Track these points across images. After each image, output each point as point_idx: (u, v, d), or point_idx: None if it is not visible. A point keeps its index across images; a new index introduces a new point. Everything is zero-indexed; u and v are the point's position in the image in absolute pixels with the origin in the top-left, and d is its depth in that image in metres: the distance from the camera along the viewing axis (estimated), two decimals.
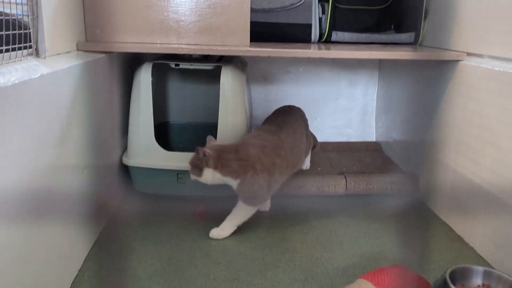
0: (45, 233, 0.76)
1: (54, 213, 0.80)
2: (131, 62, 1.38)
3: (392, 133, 1.66)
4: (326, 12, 1.47)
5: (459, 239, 1.14)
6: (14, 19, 0.79)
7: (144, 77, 1.22)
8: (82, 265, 0.96)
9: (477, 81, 1.10)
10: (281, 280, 0.94)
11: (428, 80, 1.35)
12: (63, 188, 0.84)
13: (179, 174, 1.22)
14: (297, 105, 1.38)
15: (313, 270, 0.99)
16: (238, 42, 1.16)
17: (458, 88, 1.19)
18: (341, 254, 1.06)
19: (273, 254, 1.05)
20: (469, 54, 1.18)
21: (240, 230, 1.12)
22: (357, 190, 1.36)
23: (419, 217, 1.30)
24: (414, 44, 1.47)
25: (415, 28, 1.46)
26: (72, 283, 0.89)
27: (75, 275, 0.92)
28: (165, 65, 1.28)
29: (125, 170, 1.29)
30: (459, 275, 0.88)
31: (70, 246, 0.90)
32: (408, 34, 1.47)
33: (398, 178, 1.39)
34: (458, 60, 1.18)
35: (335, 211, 1.28)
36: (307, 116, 1.38)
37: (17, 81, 0.62)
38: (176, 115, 1.60)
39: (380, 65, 1.78)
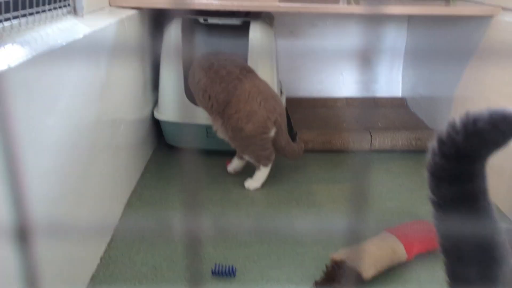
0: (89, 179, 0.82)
1: (97, 163, 0.85)
2: (161, 19, 1.38)
3: (419, 88, 1.65)
4: None
5: None
6: None
7: (175, 33, 1.23)
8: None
9: None
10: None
11: (460, 36, 1.33)
12: (106, 141, 0.89)
13: (208, 129, 1.26)
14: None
15: (339, 224, 1.03)
16: None
17: (491, 44, 1.17)
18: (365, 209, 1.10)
19: (300, 207, 1.10)
20: (504, 8, 1.15)
21: (268, 183, 1.17)
22: (382, 146, 1.38)
23: None
24: None
25: None
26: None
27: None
28: (193, 21, 1.29)
29: (157, 123, 1.33)
30: None
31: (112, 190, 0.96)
32: None
33: (423, 135, 1.40)
34: (492, 15, 1.15)
35: (360, 167, 1.31)
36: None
37: (64, 43, 0.65)
38: None
39: (410, 19, 1.74)
